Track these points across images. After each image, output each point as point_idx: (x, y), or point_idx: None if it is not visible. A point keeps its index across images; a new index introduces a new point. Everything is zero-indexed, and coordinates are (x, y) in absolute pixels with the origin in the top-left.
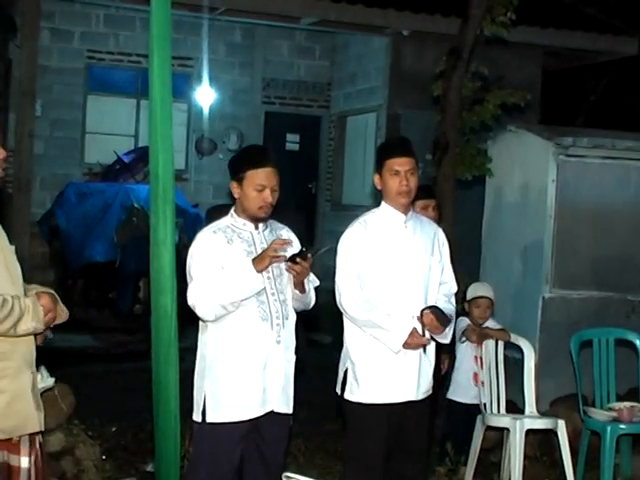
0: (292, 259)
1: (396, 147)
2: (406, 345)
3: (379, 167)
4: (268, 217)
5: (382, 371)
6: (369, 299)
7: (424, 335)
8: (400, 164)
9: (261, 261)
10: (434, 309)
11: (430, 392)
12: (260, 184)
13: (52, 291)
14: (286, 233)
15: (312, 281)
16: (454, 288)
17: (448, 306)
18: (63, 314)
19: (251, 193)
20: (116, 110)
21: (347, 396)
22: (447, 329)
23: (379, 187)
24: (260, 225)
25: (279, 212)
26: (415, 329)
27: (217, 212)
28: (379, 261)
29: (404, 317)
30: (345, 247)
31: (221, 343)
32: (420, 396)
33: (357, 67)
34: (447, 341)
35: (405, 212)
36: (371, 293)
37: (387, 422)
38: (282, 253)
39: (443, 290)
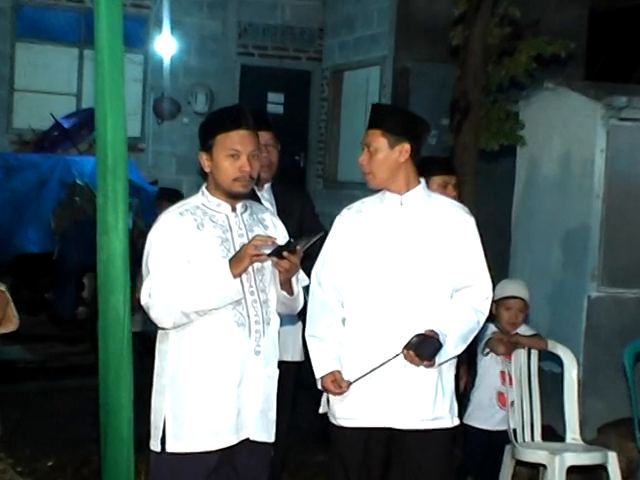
0: (278, 253)
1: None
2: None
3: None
4: (249, 194)
5: (357, 389)
6: (331, 311)
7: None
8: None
9: (239, 262)
10: (414, 343)
11: (445, 420)
12: (233, 149)
13: (3, 289)
14: (269, 217)
15: (301, 280)
16: (484, 291)
17: (469, 317)
18: (14, 320)
19: (223, 162)
20: (53, 62)
21: (330, 417)
22: (442, 356)
23: None
24: (238, 206)
25: (284, 196)
26: (336, 373)
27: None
28: (362, 256)
29: (395, 334)
30: (327, 240)
31: (185, 354)
32: (419, 424)
33: (356, 9)
34: (440, 361)
35: (401, 190)
36: (351, 299)
37: (367, 453)
38: (266, 251)
39: (467, 295)
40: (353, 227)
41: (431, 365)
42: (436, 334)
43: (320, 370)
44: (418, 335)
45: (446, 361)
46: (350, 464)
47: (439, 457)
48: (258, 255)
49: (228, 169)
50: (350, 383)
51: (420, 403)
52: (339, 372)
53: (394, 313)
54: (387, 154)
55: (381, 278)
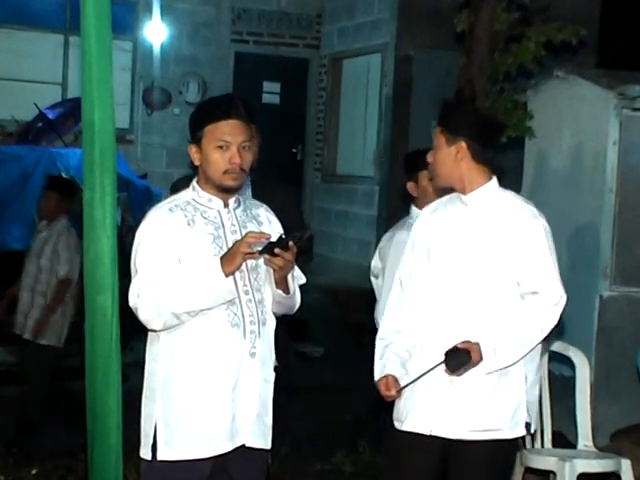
0: (269, 250)
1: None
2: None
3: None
4: (239, 188)
5: (414, 392)
6: (406, 314)
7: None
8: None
9: (231, 260)
10: (447, 352)
11: (502, 432)
12: (222, 139)
13: None
14: (264, 213)
15: (297, 277)
16: (551, 298)
17: (530, 325)
18: None
19: (212, 154)
20: (37, 49)
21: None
22: (489, 362)
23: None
24: (231, 201)
25: (263, 188)
26: (389, 377)
27: (185, 186)
28: (430, 256)
29: (437, 341)
30: (409, 238)
31: (177, 356)
32: (469, 435)
33: None
34: (490, 369)
35: (465, 190)
36: (420, 301)
37: (418, 459)
38: (258, 248)
39: (532, 302)
40: (428, 226)
41: (457, 375)
42: (475, 346)
43: (377, 373)
44: (462, 343)
45: (500, 369)
46: (400, 467)
47: (491, 471)
48: (251, 253)
49: (218, 161)
50: (400, 389)
51: (472, 412)
52: (393, 377)
53: (452, 317)
54: (445, 152)
55: (442, 281)
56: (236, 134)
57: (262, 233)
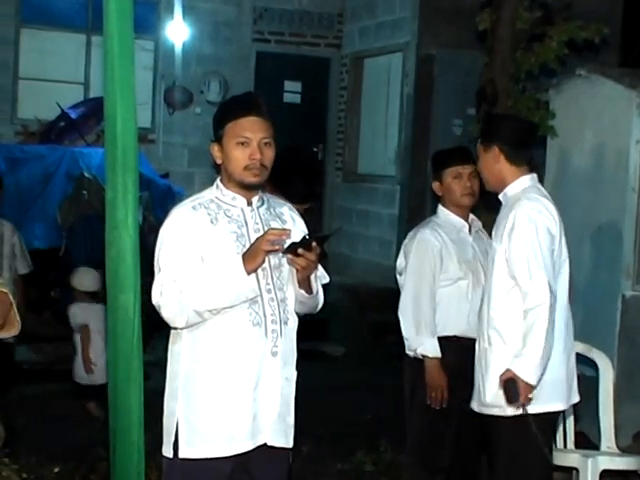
0: (292, 250)
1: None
2: None
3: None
4: (261, 185)
5: None
6: None
7: None
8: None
9: (253, 257)
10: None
11: (495, 409)
12: (242, 136)
13: (6, 290)
14: (288, 212)
15: (320, 277)
16: (531, 296)
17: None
18: (16, 324)
19: (233, 151)
20: (59, 49)
21: None
22: (525, 373)
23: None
24: (254, 199)
25: (286, 184)
26: None
27: None
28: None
29: None
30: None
31: (199, 355)
32: (477, 408)
33: None
34: (531, 377)
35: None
36: None
37: None
38: (281, 246)
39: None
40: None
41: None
42: (509, 372)
43: None
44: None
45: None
46: None
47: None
48: (272, 250)
49: (238, 157)
50: None
51: (478, 388)
52: None
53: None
54: (484, 159)
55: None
56: (256, 130)
57: (283, 230)
